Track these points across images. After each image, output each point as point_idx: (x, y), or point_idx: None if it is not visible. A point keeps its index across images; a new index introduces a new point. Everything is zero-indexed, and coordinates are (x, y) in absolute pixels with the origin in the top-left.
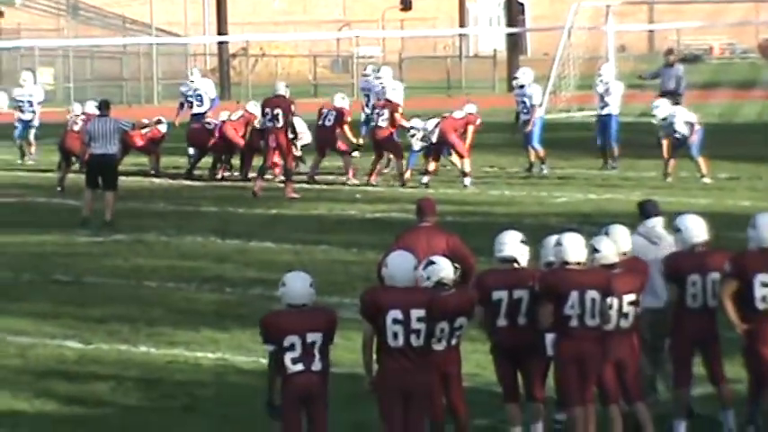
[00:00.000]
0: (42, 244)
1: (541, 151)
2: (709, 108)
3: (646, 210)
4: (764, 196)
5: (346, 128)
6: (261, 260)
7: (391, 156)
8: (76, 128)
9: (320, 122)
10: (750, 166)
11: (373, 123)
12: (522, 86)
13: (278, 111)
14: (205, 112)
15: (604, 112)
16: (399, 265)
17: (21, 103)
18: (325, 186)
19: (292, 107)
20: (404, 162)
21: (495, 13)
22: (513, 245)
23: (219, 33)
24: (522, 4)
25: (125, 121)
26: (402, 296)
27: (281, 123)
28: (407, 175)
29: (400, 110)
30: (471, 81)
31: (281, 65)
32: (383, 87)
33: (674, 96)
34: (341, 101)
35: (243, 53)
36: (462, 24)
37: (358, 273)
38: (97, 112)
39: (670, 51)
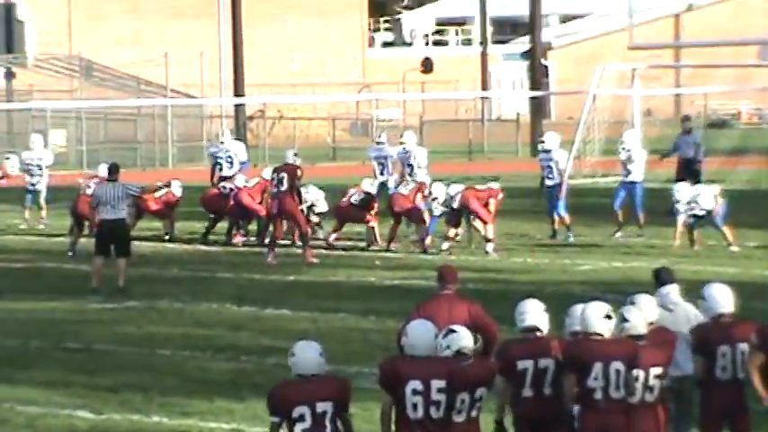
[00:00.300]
0: (52, 310)
1: (567, 218)
2: (736, 174)
3: (660, 277)
4: None
5: (373, 213)
6: (277, 328)
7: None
8: (89, 191)
9: (345, 199)
10: None
11: (392, 191)
12: (547, 151)
13: (283, 175)
14: (233, 175)
15: (628, 179)
16: (420, 334)
17: (30, 167)
18: (343, 252)
19: (298, 172)
20: (424, 228)
21: (519, 76)
22: (535, 314)
23: (236, 95)
24: (545, 67)
25: (134, 186)
26: (422, 366)
27: (284, 187)
28: (428, 241)
29: (426, 191)
30: (494, 145)
31: (298, 127)
32: (407, 152)
33: (693, 164)
34: (370, 186)
35: (260, 115)
36: (485, 87)
37: (377, 341)
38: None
39: (687, 118)
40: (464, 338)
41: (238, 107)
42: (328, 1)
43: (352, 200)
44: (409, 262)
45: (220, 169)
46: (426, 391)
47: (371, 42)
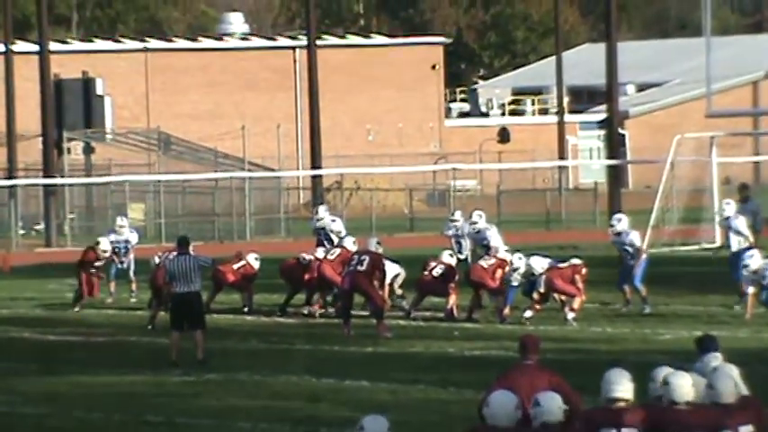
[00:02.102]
0: (133, 384)
1: (644, 290)
2: None
3: (704, 344)
4: None
5: (453, 286)
6: (356, 399)
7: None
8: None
9: (426, 272)
10: None
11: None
12: (618, 234)
13: (365, 257)
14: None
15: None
16: (501, 404)
17: (117, 248)
18: (422, 324)
19: (383, 260)
20: (502, 298)
21: (595, 145)
22: (622, 385)
23: (313, 167)
24: (623, 136)
25: (204, 258)
26: None
27: (363, 268)
28: (506, 311)
29: (508, 268)
30: (571, 214)
31: (375, 198)
32: (478, 231)
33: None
34: (449, 258)
35: (337, 186)
36: (562, 156)
37: (456, 412)
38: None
39: (744, 186)
40: (549, 412)
41: (315, 179)
42: (405, 72)
43: (434, 272)
44: (488, 332)
45: (324, 243)
46: None
47: (448, 113)
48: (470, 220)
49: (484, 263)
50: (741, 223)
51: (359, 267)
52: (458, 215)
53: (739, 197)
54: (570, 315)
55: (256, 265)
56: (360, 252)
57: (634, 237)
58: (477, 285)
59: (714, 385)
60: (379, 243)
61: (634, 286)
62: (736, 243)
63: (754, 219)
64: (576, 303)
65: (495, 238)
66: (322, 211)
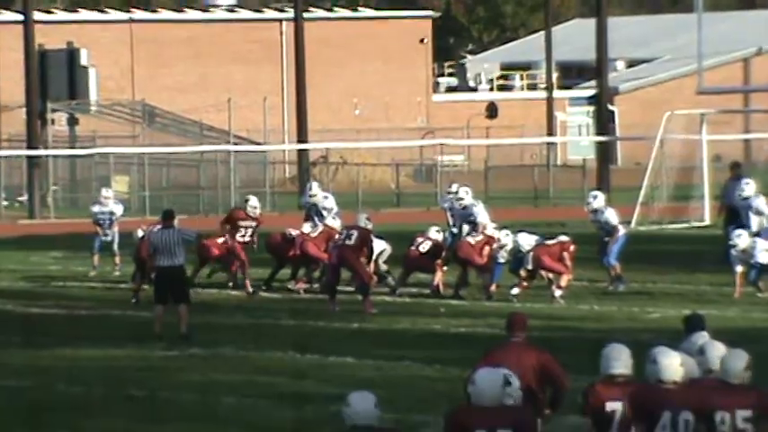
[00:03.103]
0: (116, 358)
1: (618, 268)
2: None
3: (691, 323)
4: None
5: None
6: (341, 376)
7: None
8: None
9: (414, 248)
10: None
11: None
12: (594, 211)
13: (354, 232)
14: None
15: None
16: (487, 382)
17: (102, 221)
18: (408, 300)
19: (371, 237)
20: (489, 275)
21: (585, 121)
22: (621, 360)
23: (299, 141)
24: (612, 112)
25: (189, 232)
26: (489, 416)
27: (351, 242)
28: (493, 288)
29: (495, 245)
30: (559, 191)
31: (362, 173)
32: (464, 207)
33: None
34: (436, 233)
35: (323, 161)
36: (550, 132)
37: (442, 389)
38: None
39: (736, 164)
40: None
41: (301, 153)
42: (393, 46)
43: (421, 248)
44: (475, 309)
45: (313, 219)
46: None
47: (436, 88)
48: (456, 195)
49: (471, 239)
50: (762, 203)
51: (347, 242)
52: (455, 187)
53: (731, 175)
54: (557, 293)
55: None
56: (348, 227)
57: (609, 214)
58: (464, 262)
59: (726, 365)
60: (368, 219)
61: (608, 263)
62: (756, 223)
63: None
64: (564, 281)
65: (482, 214)
66: (315, 187)
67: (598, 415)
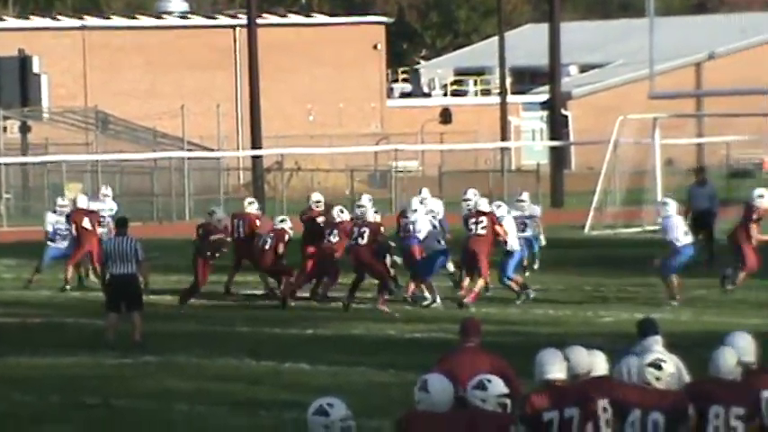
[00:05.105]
0: (70, 366)
1: (518, 280)
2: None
3: (644, 328)
4: None
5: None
6: (296, 382)
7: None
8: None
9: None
10: None
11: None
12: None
13: (365, 230)
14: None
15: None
16: (437, 388)
17: (58, 230)
18: (362, 306)
19: (381, 229)
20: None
21: (538, 126)
22: (555, 365)
23: (253, 147)
24: (565, 117)
25: (140, 248)
26: (439, 421)
27: (364, 241)
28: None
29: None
30: (514, 195)
31: (316, 179)
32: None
33: (707, 216)
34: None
35: (277, 167)
36: (504, 138)
37: (397, 395)
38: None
39: (701, 169)
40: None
41: (256, 159)
42: (347, 52)
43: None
44: (429, 315)
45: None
46: None
47: (390, 93)
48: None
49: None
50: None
51: (360, 241)
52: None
53: (696, 180)
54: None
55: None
56: (359, 224)
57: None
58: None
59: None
60: (376, 212)
61: (508, 278)
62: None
63: (711, 202)
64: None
65: (421, 221)
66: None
67: (534, 425)
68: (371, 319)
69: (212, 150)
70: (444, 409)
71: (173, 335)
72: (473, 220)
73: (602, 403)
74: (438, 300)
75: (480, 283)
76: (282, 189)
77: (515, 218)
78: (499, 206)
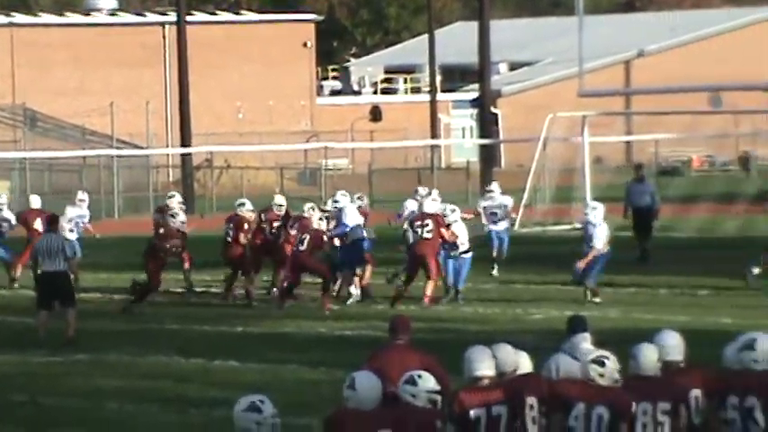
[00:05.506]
0: None
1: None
2: (688, 222)
3: (573, 325)
4: (745, 314)
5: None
6: (225, 380)
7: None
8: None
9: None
10: (730, 282)
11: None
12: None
13: (306, 236)
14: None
15: None
16: (364, 386)
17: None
18: (292, 303)
19: (324, 238)
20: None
21: (468, 124)
22: (484, 362)
23: (183, 145)
24: (495, 115)
25: (72, 246)
26: (366, 418)
27: (304, 247)
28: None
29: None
30: (444, 193)
31: (245, 177)
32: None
33: (647, 212)
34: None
35: (207, 165)
36: (434, 135)
37: (327, 393)
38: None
39: (639, 167)
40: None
41: (185, 157)
42: (276, 49)
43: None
44: (359, 312)
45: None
46: None
47: (320, 91)
48: (334, 199)
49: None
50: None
51: (300, 247)
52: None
53: (635, 177)
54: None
55: None
56: (301, 229)
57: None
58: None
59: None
60: (321, 219)
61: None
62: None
63: (651, 198)
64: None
65: (350, 216)
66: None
67: (462, 423)
68: (302, 317)
69: (141, 148)
70: (372, 407)
71: (103, 333)
72: (418, 222)
73: (530, 401)
74: (356, 293)
75: (431, 285)
76: (212, 187)
77: (485, 208)
78: (453, 210)
